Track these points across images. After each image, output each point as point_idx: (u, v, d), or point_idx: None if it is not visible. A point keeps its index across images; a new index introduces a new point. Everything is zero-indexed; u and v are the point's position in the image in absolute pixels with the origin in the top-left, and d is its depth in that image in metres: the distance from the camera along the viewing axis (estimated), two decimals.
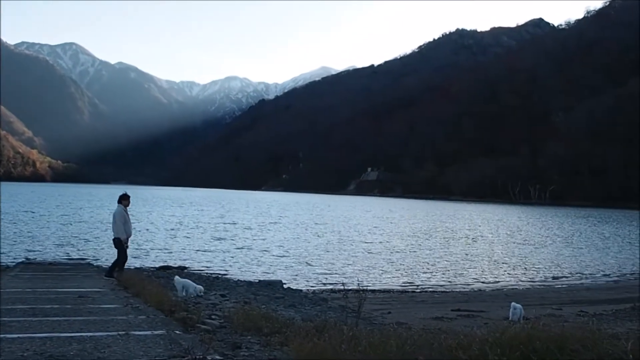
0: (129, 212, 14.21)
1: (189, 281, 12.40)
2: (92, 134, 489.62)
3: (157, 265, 21.49)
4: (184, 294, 11.71)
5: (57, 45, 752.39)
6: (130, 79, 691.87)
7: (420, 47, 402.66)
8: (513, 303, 12.09)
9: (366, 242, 35.91)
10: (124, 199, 14.09)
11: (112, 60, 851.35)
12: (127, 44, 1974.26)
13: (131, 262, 22.37)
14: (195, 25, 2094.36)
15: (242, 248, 30.27)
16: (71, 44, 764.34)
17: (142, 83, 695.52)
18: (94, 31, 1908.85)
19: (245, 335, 7.77)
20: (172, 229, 40.75)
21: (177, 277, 12.67)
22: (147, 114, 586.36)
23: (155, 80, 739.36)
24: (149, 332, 7.46)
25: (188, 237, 34.94)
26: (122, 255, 13.99)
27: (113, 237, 14.00)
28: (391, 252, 30.67)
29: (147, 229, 39.68)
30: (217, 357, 6.30)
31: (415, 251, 31.82)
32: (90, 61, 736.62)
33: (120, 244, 13.82)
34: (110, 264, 14.94)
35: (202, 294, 12.10)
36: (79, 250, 26.12)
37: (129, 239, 14.14)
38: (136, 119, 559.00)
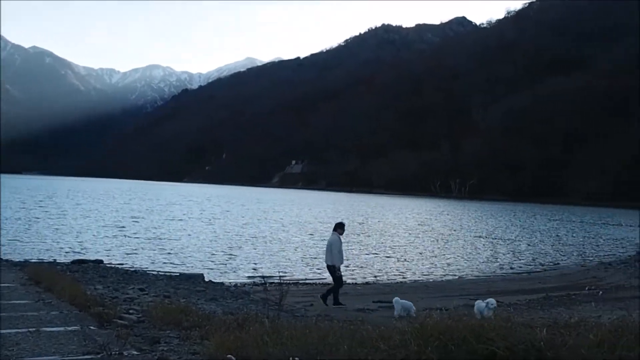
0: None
1: (408, 302, 12.11)
2: (4, 121, 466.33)
3: (71, 259, 20.75)
4: (403, 314, 11.46)
5: None
6: (46, 65, 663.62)
7: (346, 40, 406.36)
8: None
9: (288, 236, 35.98)
10: (339, 228, 14.59)
11: (26, 44, 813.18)
12: (42, 27, 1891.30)
13: (43, 256, 21.68)
14: (116, 9, 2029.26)
15: (161, 241, 29.70)
16: None
17: (58, 69, 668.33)
18: (5, 12, 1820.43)
19: (164, 329, 7.64)
20: (88, 222, 39.51)
21: (396, 298, 12.28)
22: (64, 101, 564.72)
23: (73, 67, 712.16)
24: (61, 328, 7.23)
25: (105, 231, 33.97)
26: (338, 281, 14.31)
27: (327, 265, 14.44)
28: (314, 245, 30.86)
29: (57, 222, 38.38)
30: (134, 352, 6.16)
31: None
32: (2, 44, 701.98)
33: (335, 271, 14.17)
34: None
35: (415, 315, 11.74)
36: None
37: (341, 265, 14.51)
38: (52, 106, 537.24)
